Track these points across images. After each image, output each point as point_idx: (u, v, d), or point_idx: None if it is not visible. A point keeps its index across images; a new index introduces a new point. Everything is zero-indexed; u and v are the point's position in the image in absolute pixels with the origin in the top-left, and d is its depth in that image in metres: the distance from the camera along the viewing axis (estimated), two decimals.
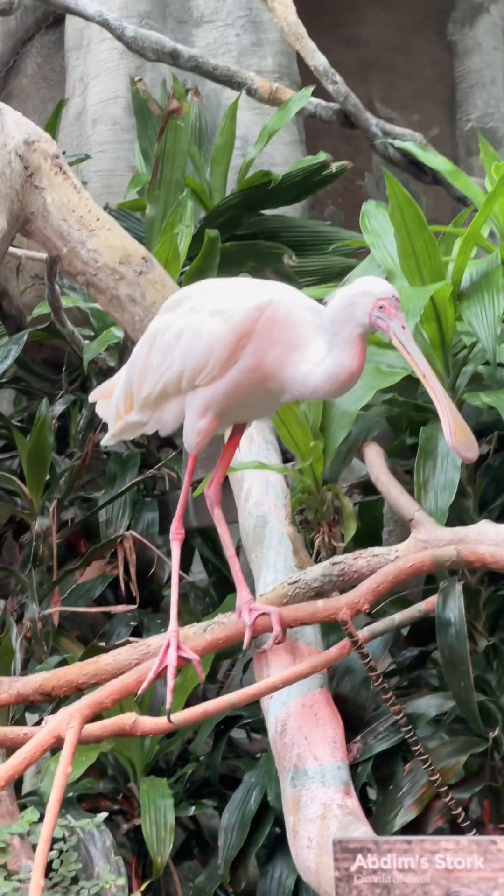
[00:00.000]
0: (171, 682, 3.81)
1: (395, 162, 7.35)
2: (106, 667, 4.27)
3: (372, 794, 4.56)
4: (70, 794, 4.92)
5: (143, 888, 4.33)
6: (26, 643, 5.48)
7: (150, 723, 3.90)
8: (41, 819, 4.21)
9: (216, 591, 5.95)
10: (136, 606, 5.61)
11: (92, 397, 4.29)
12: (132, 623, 5.71)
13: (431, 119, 9.64)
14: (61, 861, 3.43)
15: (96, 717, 3.79)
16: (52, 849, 3.64)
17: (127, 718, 3.86)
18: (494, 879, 2.72)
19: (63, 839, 3.65)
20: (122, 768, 5.19)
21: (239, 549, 4.68)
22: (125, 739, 4.94)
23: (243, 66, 7.88)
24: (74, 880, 3.55)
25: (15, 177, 4.90)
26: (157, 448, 6.28)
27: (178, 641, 3.86)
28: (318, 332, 3.66)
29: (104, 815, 3.98)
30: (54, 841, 3.68)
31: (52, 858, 4.62)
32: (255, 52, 8.09)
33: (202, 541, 6.05)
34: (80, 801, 5.02)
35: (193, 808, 5.23)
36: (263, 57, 8.07)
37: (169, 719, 3.78)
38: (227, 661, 5.73)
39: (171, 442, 6.09)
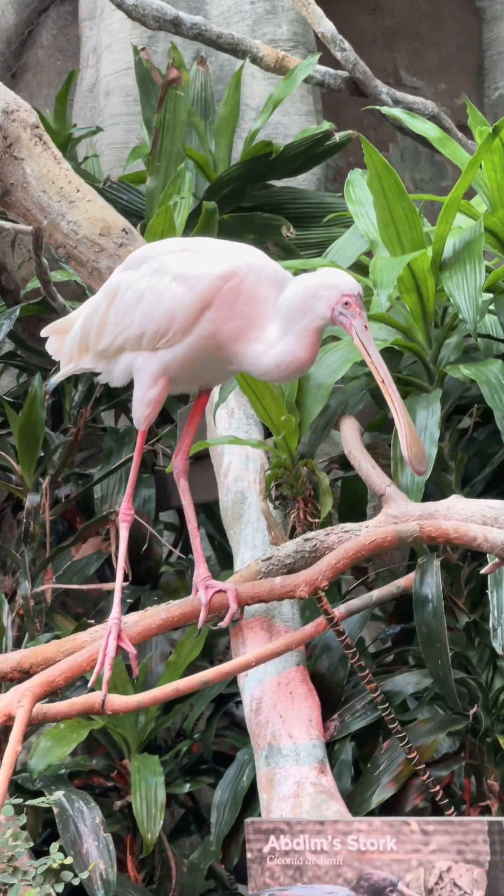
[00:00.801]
0: (107, 673, 3.79)
1: (409, 133, 7.25)
2: (83, 644, 4.24)
3: None
4: (62, 772, 4.93)
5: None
6: (19, 620, 5.48)
7: (119, 701, 3.88)
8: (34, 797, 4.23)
9: (217, 566, 5.93)
10: (128, 583, 5.57)
11: (45, 332, 4.25)
12: (129, 600, 5.69)
13: (458, 87, 9.52)
14: (9, 839, 3.41)
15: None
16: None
17: (97, 697, 3.85)
18: (407, 861, 2.68)
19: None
20: (116, 745, 5.18)
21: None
22: (119, 716, 4.95)
23: (258, 35, 7.80)
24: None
25: None
26: (155, 424, 6.24)
27: (119, 630, 3.83)
28: (277, 312, 3.62)
29: (56, 795, 3.93)
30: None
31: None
32: (269, 20, 7.99)
33: (206, 516, 6.02)
34: (72, 778, 5.03)
35: (188, 785, 5.23)
36: (278, 25, 7.98)
37: (103, 709, 3.77)
38: (225, 638, 5.70)
39: (168, 417, 6.05)
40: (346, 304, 3.56)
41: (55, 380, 4.25)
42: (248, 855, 2.75)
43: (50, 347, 4.22)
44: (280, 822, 2.76)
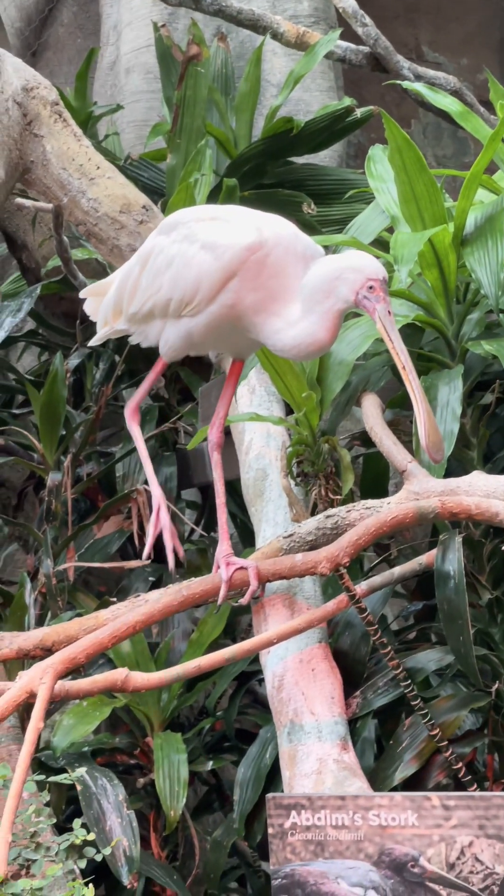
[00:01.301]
0: (169, 542, 3.95)
1: (431, 109, 7.21)
2: (105, 621, 4.25)
3: None
4: (85, 749, 4.95)
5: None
6: (41, 599, 5.49)
7: (142, 678, 3.89)
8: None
9: (239, 543, 5.93)
10: (149, 561, 5.56)
11: (83, 294, 4.29)
12: (150, 578, 5.71)
13: (480, 62, 9.48)
14: (34, 814, 3.43)
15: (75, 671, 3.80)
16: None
17: (118, 674, 3.86)
18: (428, 836, 2.68)
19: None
20: (139, 723, 5.19)
21: None
22: (141, 694, 4.96)
23: (278, 10, 7.76)
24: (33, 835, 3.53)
25: (13, 124, 4.87)
26: (177, 402, 6.25)
27: (166, 503, 3.98)
28: (301, 290, 3.62)
29: (79, 772, 3.91)
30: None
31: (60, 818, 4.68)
32: None
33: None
34: (95, 755, 5.04)
35: (211, 762, 5.24)
36: (299, 1, 7.94)
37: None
38: (248, 616, 5.70)
39: (190, 395, 6.05)
40: (370, 288, 3.58)
41: (93, 342, 4.26)
42: (270, 830, 2.75)
43: (88, 308, 4.25)
44: (301, 797, 2.77)
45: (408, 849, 2.72)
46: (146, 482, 5.86)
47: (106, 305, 4.05)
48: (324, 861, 2.76)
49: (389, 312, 3.59)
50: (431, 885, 2.76)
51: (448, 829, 2.71)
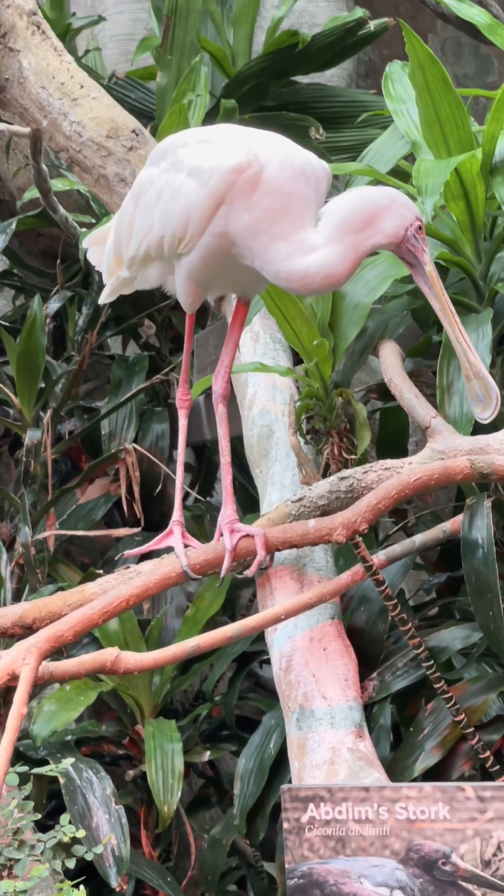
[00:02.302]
0: (183, 553, 3.96)
1: (452, 21, 7.20)
2: (91, 596, 4.25)
3: None
4: (68, 738, 4.98)
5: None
6: (19, 571, 5.50)
7: (134, 659, 3.90)
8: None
9: (239, 509, 5.94)
10: (139, 529, 5.60)
11: (85, 243, 4.33)
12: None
13: None
14: (13, 811, 3.45)
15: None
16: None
17: (108, 654, 3.87)
18: (462, 831, 2.71)
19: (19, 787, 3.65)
20: (128, 709, 5.22)
21: None
22: (131, 677, 4.99)
23: None
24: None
25: None
26: (169, 351, 6.25)
27: (182, 529, 3.99)
28: (312, 212, 3.60)
29: (65, 764, 3.92)
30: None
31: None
32: None
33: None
34: (79, 745, 5.07)
35: (209, 752, 5.27)
36: None
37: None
38: (249, 590, 5.72)
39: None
40: (419, 228, 3.59)
41: (102, 299, 4.27)
42: (285, 825, 2.78)
43: (92, 258, 4.30)
44: (320, 788, 2.79)
45: (438, 845, 2.75)
46: (135, 441, 5.88)
47: (108, 253, 4.06)
48: (345, 859, 2.78)
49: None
50: (465, 884, 2.79)
51: (483, 823, 2.73)
